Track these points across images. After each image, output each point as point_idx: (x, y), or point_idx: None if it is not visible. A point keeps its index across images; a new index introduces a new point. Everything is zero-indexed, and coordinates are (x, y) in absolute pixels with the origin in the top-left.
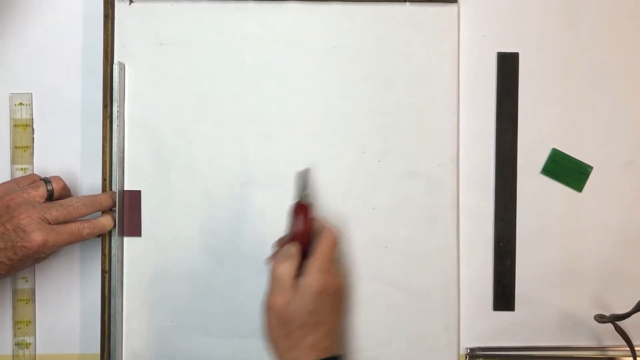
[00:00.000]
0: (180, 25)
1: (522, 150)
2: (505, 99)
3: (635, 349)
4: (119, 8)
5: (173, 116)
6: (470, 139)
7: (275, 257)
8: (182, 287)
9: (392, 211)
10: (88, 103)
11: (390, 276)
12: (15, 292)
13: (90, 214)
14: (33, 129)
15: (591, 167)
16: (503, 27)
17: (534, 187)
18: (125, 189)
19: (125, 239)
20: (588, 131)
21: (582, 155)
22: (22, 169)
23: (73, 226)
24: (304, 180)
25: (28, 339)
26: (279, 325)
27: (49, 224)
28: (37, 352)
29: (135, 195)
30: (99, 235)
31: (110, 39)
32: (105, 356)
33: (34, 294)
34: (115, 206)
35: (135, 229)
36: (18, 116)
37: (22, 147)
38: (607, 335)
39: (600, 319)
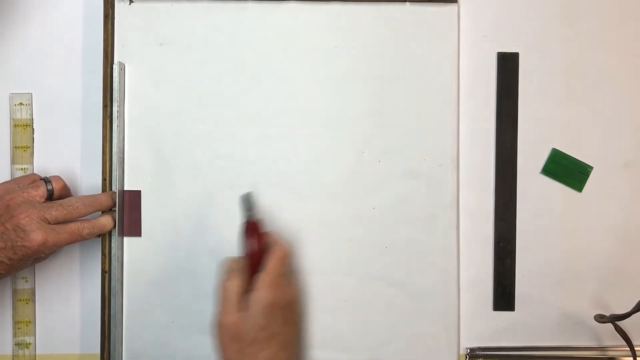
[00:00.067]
0: (181, 25)
1: (522, 150)
2: (505, 99)
3: (635, 349)
4: (119, 8)
5: (173, 116)
6: (470, 139)
7: (221, 274)
8: (182, 287)
9: (392, 211)
10: (88, 103)
11: (390, 276)
12: (15, 292)
13: (90, 213)
14: (33, 129)
15: (591, 167)
16: (503, 27)
17: (534, 187)
18: (125, 189)
19: (125, 239)
20: (588, 131)
21: (582, 155)
22: (22, 169)
23: (73, 226)
24: (247, 202)
25: (28, 339)
26: (231, 343)
27: (49, 223)
28: (37, 352)
29: (135, 195)
30: (98, 235)
31: (110, 39)
32: (105, 356)
33: (34, 294)
34: (115, 206)
35: (135, 229)
36: (18, 116)
37: (22, 147)
38: (607, 335)
39: (600, 319)
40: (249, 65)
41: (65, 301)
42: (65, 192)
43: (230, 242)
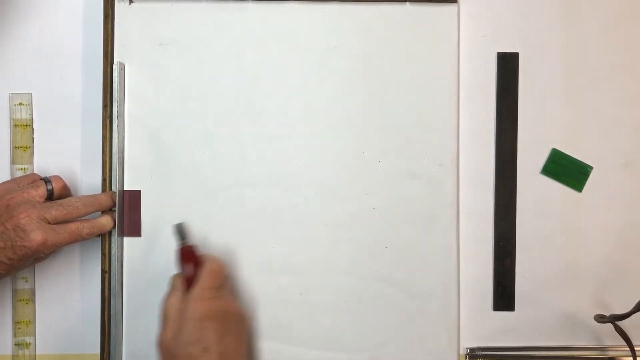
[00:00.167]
0: (180, 25)
1: (522, 150)
2: (505, 99)
3: (635, 349)
4: (119, 8)
5: (173, 116)
6: (470, 139)
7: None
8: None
9: (392, 211)
10: (88, 103)
11: (390, 276)
12: (15, 292)
13: (90, 213)
14: (33, 129)
15: (591, 167)
16: (503, 27)
17: (534, 187)
18: (125, 189)
19: (125, 239)
20: (588, 131)
21: (582, 155)
22: (22, 169)
23: (73, 226)
24: (181, 231)
25: (28, 339)
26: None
27: (49, 223)
28: (37, 352)
29: (135, 195)
30: (98, 235)
31: (110, 39)
32: (105, 356)
33: (34, 294)
34: (115, 206)
35: (135, 229)
36: (18, 116)
37: (22, 147)
38: (607, 335)
39: (600, 319)
40: (249, 65)
41: (65, 301)
42: (65, 192)
43: (230, 242)
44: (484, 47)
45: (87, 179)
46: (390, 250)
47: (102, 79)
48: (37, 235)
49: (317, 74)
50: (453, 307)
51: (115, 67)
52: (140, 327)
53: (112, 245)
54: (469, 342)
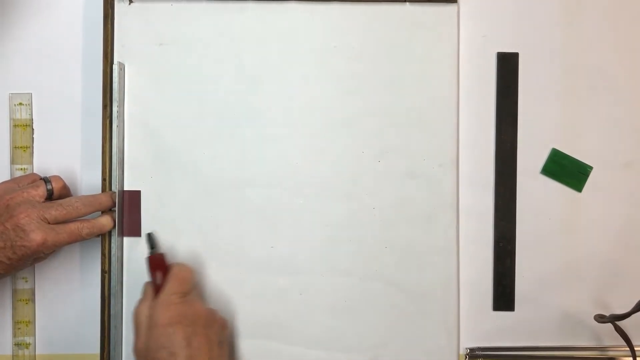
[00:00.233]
0: (180, 25)
1: (522, 150)
2: (505, 99)
3: (635, 349)
4: (119, 8)
5: (173, 116)
6: (470, 139)
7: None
8: None
9: (392, 211)
10: (88, 103)
11: (390, 276)
12: (15, 292)
13: (89, 213)
14: (33, 129)
15: (591, 167)
16: (503, 27)
17: (533, 187)
18: (125, 189)
19: (125, 239)
20: (588, 131)
21: (582, 155)
22: (21, 169)
23: (72, 226)
24: (151, 241)
25: (28, 339)
26: None
27: (49, 223)
28: (36, 352)
29: (135, 195)
30: (98, 235)
31: (110, 38)
32: (105, 356)
33: (33, 294)
34: (115, 206)
35: (135, 229)
36: (18, 116)
37: (21, 147)
38: (607, 335)
39: (600, 319)
40: (249, 65)
41: (65, 301)
42: (65, 192)
43: (230, 242)
44: (483, 47)
45: (87, 179)
46: (390, 250)
47: (102, 79)
48: (36, 235)
49: (317, 74)
50: (453, 307)
51: (115, 67)
52: None
53: (112, 245)
54: (468, 342)
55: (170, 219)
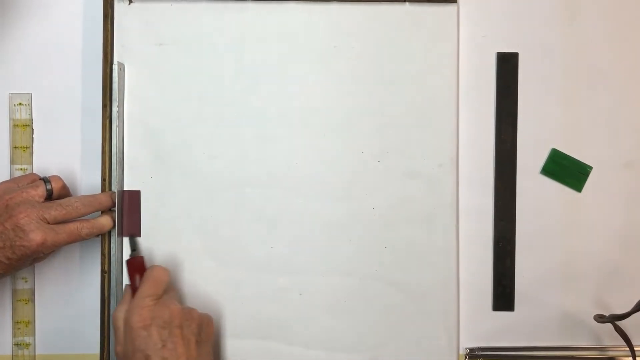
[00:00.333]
0: (180, 25)
1: (522, 150)
2: (505, 99)
3: (635, 349)
4: (119, 8)
5: (173, 116)
6: (470, 139)
7: None
8: (182, 287)
9: (392, 211)
10: (88, 103)
11: (390, 276)
12: (14, 292)
13: (89, 213)
14: (32, 129)
15: (591, 167)
16: (503, 27)
17: (533, 187)
18: (125, 189)
19: (125, 239)
20: (588, 131)
21: (581, 155)
22: (21, 169)
23: (72, 226)
24: (131, 243)
25: (27, 339)
26: None
27: (48, 223)
28: (36, 353)
29: (135, 195)
30: (98, 235)
31: (109, 38)
32: (105, 356)
33: (33, 294)
34: (114, 206)
35: (134, 229)
36: (17, 116)
37: (21, 147)
38: (607, 335)
39: (600, 319)
40: (249, 65)
41: (65, 301)
42: (65, 192)
43: (230, 242)
44: (483, 47)
45: (86, 179)
46: (390, 250)
47: (101, 79)
48: (36, 235)
49: (317, 74)
50: (453, 307)
51: (115, 67)
52: None
53: (112, 245)
54: (468, 342)
55: (170, 219)
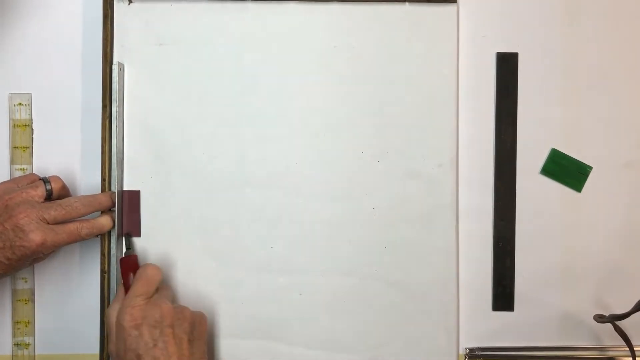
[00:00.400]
0: (180, 25)
1: (522, 150)
2: (505, 99)
3: (635, 349)
4: (118, 8)
5: (173, 116)
6: (470, 139)
7: None
8: (182, 287)
9: (391, 211)
10: (88, 103)
11: (389, 276)
12: (14, 292)
13: (89, 214)
14: (32, 129)
15: (590, 167)
16: (503, 27)
17: (533, 187)
18: (125, 189)
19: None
20: (588, 131)
21: (581, 155)
22: (21, 169)
23: (72, 226)
24: (126, 242)
25: (27, 339)
26: None
27: (48, 223)
28: (36, 353)
29: (135, 196)
30: (97, 235)
31: (109, 38)
32: (105, 356)
33: (33, 294)
34: (114, 206)
35: (134, 229)
36: (17, 116)
37: (21, 147)
38: (607, 335)
39: (600, 319)
40: (249, 65)
41: (64, 301)
42: (64, 192)
43: (229, 242)
44: (483, 47)
45: (86, 179)
46: (390, 250)
47: (101, 79)
48: (36, 236)
49: (317, 74)
50: (452, 307)
51: (115, 67)
52: None
53: (112, 245)
54: (468, 342)
55: (170, 219)
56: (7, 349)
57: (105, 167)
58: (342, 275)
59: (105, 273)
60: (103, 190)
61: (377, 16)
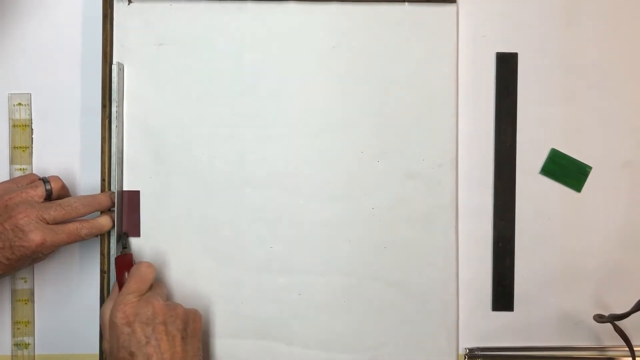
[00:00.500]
0: (180, 25)
1: (522, 150)
2: (505, 99)
3: (635, 349)
4: (118, 8)
5: (172, 116)
6: (470, 139)
7: None
8: (182, 287)
9: (391, 211)
10: (87, 103)
11: (389, 276)
12: (14, 292)
13: (88, 214)
14: (32, 129)
15: (590, 167)
16: (502, 27)
17: (533, 187)
18: (124, 189)
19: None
20: (587, 131)
21: (581, 155)
22: (21, 169)
23: (71, 226)
24: (123, 241)
25: (27, 340)
26: None
27: (47, 223)
28: (36, 353)
29: (134, 196)
30: (97, 235)
31: (109, 39)
32: (104, 356)
33: (33, 294)
34: (114, 206)
35: (134, 230)
36: (17, 116)
37: (21, 147)
38: (607, 335)
39: (600, 319)
40: (249, 65)
41: (64, 301)
42: (64, 192)
43: (229, 242)
44: (483, 47)
45: (86, 179)
46: (390, 251)
47: (101, 79)
48: (35, 236)
49: (317, 74)
50: (452, 307)
51: (114, 67)
52: None
53: (111, 245)
54: (468, 342)
55: (170, 219)
56: (7, 349)
57: (104, 167)
58: (341, 275)
59: (105, 273)
60: (103, 190)
61: (376, 16)
